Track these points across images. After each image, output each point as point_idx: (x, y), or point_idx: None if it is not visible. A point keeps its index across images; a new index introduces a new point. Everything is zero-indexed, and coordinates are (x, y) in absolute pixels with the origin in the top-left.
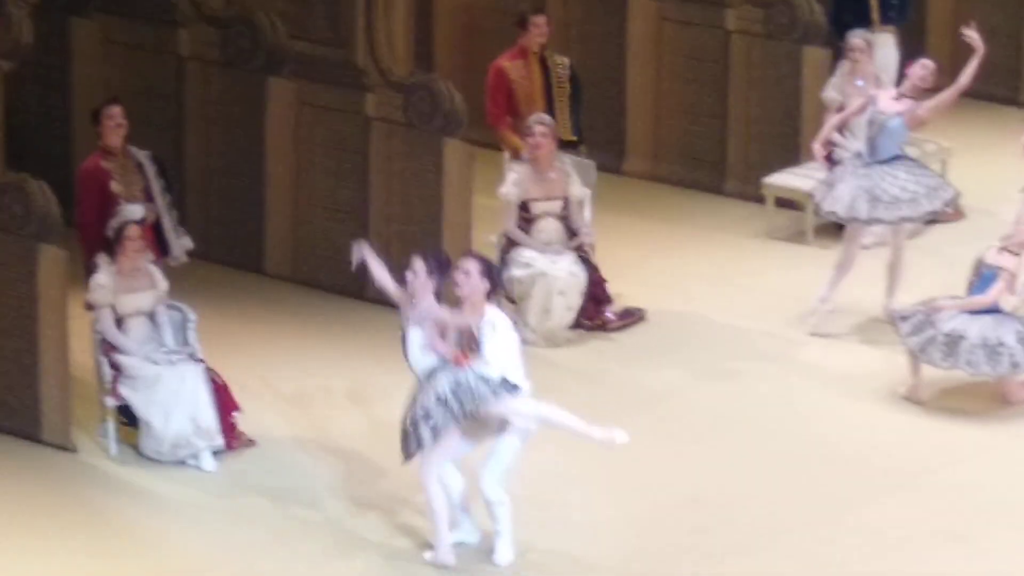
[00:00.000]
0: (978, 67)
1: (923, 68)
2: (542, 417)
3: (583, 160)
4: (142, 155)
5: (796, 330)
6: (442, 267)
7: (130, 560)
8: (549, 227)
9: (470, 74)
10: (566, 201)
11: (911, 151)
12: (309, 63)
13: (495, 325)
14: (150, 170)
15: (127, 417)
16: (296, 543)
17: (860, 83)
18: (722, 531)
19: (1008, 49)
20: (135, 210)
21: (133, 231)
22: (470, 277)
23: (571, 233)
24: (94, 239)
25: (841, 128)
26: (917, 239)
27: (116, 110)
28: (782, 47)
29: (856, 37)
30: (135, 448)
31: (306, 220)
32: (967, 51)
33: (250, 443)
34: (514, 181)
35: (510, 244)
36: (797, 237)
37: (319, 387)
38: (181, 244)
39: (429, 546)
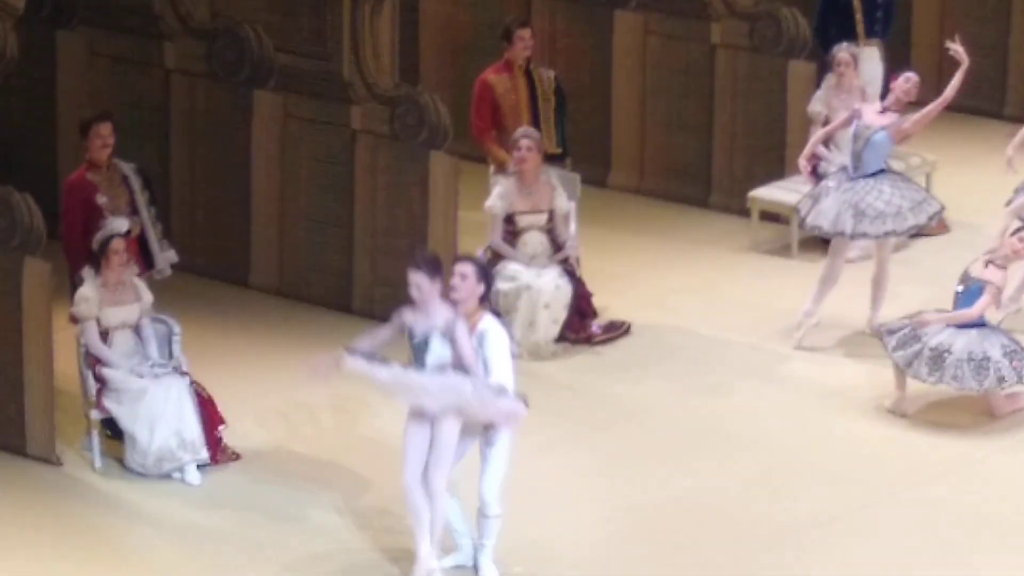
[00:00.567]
0: (962, 80)
1: (907, 81)
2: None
3: (568, 173)
4: (127, 168)
5: (781, 344)
6: (435, 267)
7: (115, 574)
8: (534, 240)
9: (456, 87)
10: (551, 214)
11: (896, 164)
12: (295, 76)
13: (490, 332)
14: (135, 183)
15: (112, 430)
16: (282, 557)
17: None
18: (705, 544)
19: (993, 62)
20: (120, 223)
21: (118, 244)
22: (466, 280)
23: (556, 246)
24: (79, 252)
25: (826, 142)
26: (902, 252)
27: (106, 128)
28: (767, 60)
29: (842, 51)
30: (120, 461)
31: (292, 233)
32: (952, 64)
33: (235, 457)
34: (499, 194)
35: (495, 257)
36: (782, 251)
37: (304, 400)
38: (166, 257)
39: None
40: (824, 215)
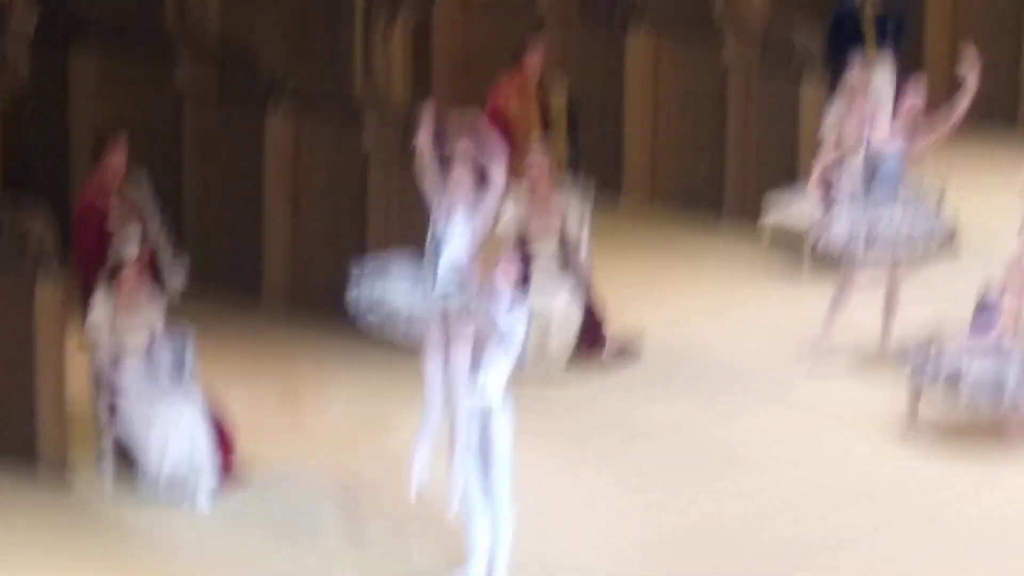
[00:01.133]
0: (970, 103)
1: (912, 103)
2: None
3: (580, 197)
4: (139, 192)
5: (793, 366)
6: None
7: None
8: (545, 265)
9: (468, 107)
10: (563, 236)
11: (906, 186)
12: (307, 98)
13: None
14: (147, 207)
15: (123, 456)
16: None
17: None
18: (721, 566)
19: (1006, 81)
20: (131, 248)
21: (130, 269)
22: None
23: (567, 270)
24: (91, 276)
25: (838, 165)
26: (913, 275)
27: (118, 155)
28: (779, 82)
29: (854, 74)
30: (131, 487)
31: (304, 256)
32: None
33: (246, 480)
34: (512, 218)
35: None
36: (793, 274)
37: (317, 420)
38: (176, 281)
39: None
40: (835, 240)
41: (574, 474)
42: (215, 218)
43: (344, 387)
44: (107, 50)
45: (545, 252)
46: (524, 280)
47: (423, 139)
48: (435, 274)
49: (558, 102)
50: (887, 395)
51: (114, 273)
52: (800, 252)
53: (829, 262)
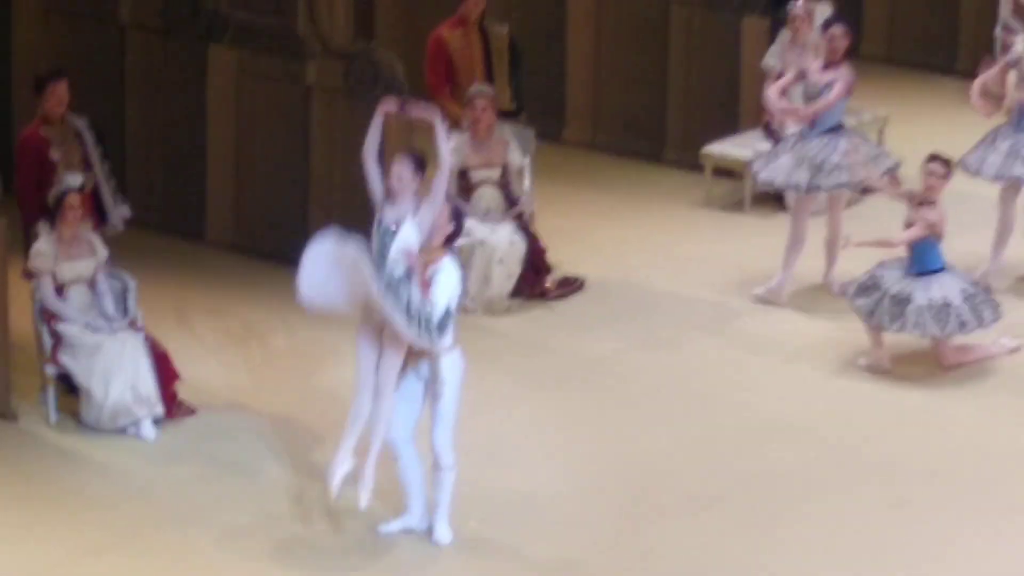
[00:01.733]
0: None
1: (832, 39)
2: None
3: (523, 129)
4: (80, 123)
5: (736, 299)
6: (420, 162)
7: (70, 528)
8: (488, 195)
9: (411, 43)
10: (505, 169)
11: (848, 120)
12: (250, 31)
13: (444, 269)
14: (89, 138)
15: (67, 385)
16: (237, 510)
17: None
18: (663, 497)
19: (945, 18)
20: (74, 177)
21: (73, 199)
22: (441, 215)
23: (510, 202)
24: (33, 207)
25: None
26: (853, 207)
27: (62, 87)
28: (722, 16)
29: (797, 6)
30: (75, 416)
31: (247, 188)
32: (904, 17)
33: (190, 412)
34: (453, 149)
35: None
36: (735, 206)
37: (260, 354)
38: (119, 212)
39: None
40: (779, 170)
41: (516, 405)
42: (157, 150)
43: (286, 324)
44: None
45: (487, 184)
46: (456, 236)
47: (369, 144)
48: (381, 265)
49: (500, 35)
50: (830, 328)
51: (58, 203)
52: (742, 184)
53: (770, 194)
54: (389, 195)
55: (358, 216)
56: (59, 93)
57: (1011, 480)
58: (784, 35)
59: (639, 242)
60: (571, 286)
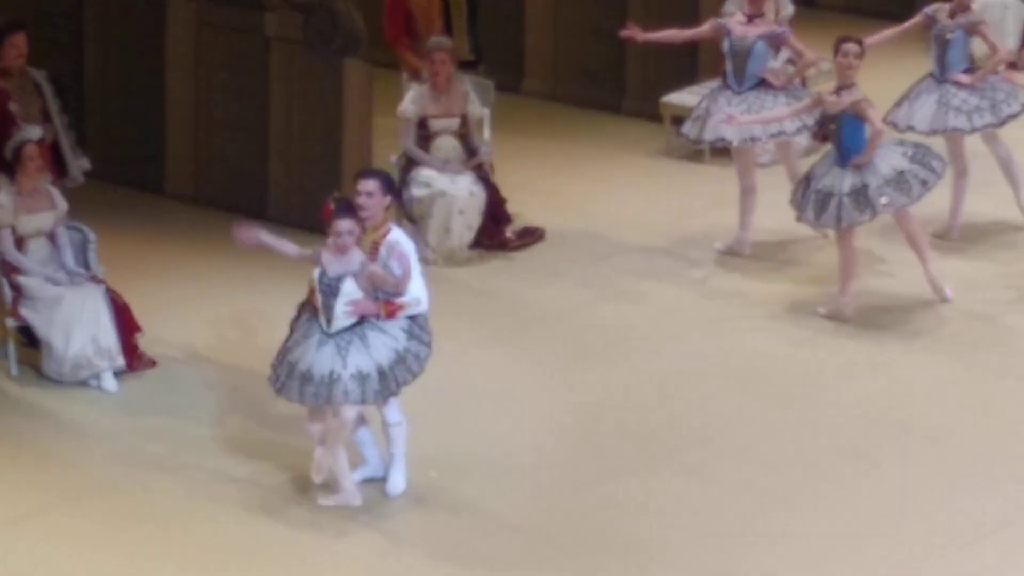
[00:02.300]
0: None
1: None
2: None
3: (482, 80)
4: (39, 75)
5: (696, 249)
6: (348, 207)
7: (32, 480)
8: (447, 144)
9: None
10: (464, 119)
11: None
12: None
13: (399, 244)
14: (48, 90)
15: (28, 338)
16: (197, 462)
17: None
18: (620, 447)
19: None
20: (34, 131)
21: (32, 150)
22: (373, 197)
23: (470, 153)
24: None
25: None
26: (811, 157)
27: (20, 39)
28: None
29: None
30: (36, 369)
31: (207, 140)
32: None
33: (152, 364)
34: (412, 99)
35: (410, 164)
36: (695, 156)
37: (220, 308)
38: (79, 165)
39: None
40: (723, 127)
41: (475, 355)
42: (116, 102)
43: (246, 277)
44: None
45: (446, 133)
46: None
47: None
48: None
49: None
50: (791, 278)
51: (16, 155)
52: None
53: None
54: (336, 248)
55: (317, 168)
56: (18, 44)
57: (969, 433)
58: None
59: (599, 192)
60: (531, 236)
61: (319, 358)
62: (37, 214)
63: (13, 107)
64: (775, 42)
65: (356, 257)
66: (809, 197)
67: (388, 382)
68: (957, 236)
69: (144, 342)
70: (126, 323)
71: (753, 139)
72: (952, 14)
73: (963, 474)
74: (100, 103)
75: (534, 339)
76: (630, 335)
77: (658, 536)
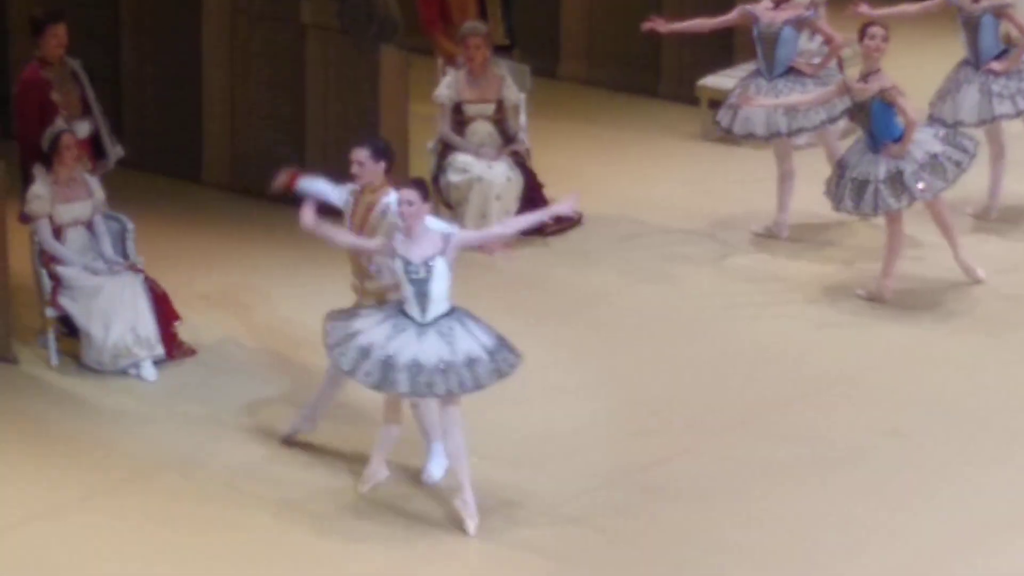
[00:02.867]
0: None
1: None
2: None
3: (517, 65)
4: (76, 64)
5: (733, 232)
6: (422, 187)
7: (73, 469)
8: (482, 130)
9: None
10: (500, 104)
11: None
12: None
13: (390, 206)
14: (84, 79)
15: (68, 327)
16: (238, 451)
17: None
18: (661, 432)
19: None
20: (82, 127)
21: (69, 139)
22: (364, 166)
23: (506, 138)
24: (37, 149)
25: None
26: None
27: (61, 29)
28: None
29: None
30: (76, 358)
31: (243, 129)
32: None
33: (191, 352)
34: (447, 84)
35: (446, 149)
36: (732, 139)
37: (258, 295)
38: (115, 152)
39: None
40: (753, 120)
41: (516, 340)
42: (153, 91)
43: (283, 264)
44: None
45: (481, 119)
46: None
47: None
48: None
49: None
50: (829, 260)
51: (54, 145)
52: None
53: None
54: (404, 231)
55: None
56: (59, 35)
57: (1006, 413)
58: None
59: (636, 176)
60: (569, 221)
61: (422, 348)
62: (74, 203)
63: (55, 96)
64: (802, 26)
65: (434, 235)
66: (845, 186)
67: (498, 362)
68: (995, 216)
69: (183, 331)
70: (165, 312)
71: (779, 134)
72: None
73: (1002, 454)
74: (136, 92)
75: (574, 324)
76: (669, 319)
77: (703, 519)
